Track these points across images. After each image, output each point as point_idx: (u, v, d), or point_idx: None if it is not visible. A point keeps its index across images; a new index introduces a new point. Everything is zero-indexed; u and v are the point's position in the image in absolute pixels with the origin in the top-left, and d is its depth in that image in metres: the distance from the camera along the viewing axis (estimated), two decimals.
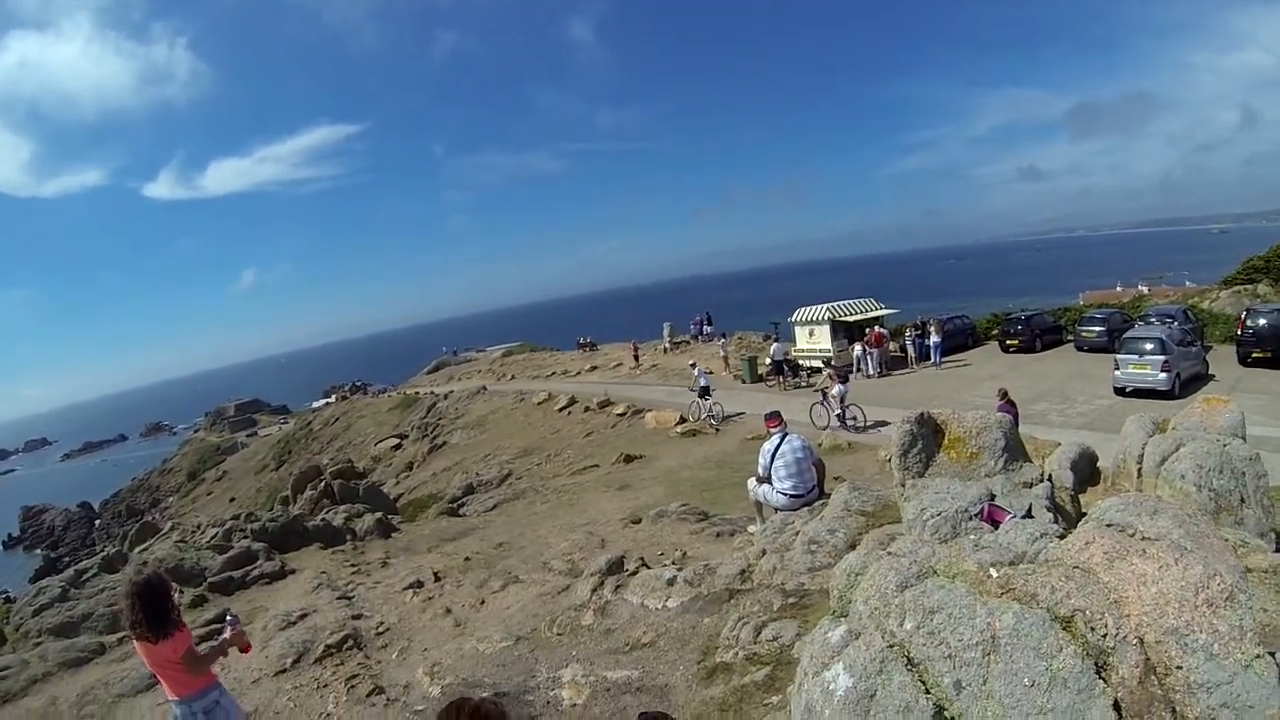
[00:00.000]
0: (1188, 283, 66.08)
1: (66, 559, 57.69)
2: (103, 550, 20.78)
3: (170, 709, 5.15)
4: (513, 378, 55.09)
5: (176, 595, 5.11)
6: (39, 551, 70.15)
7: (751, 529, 10.53)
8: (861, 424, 22.23)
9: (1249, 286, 37.68)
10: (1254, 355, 25.45)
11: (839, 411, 22.69)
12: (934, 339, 32.01)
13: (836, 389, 22.86)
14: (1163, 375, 22.03)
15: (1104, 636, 2.90)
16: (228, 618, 5.48)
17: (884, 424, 21.51)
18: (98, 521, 76.99)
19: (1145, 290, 61.47)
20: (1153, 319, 29.48)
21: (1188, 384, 22.87)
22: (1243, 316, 27.06)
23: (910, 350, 33.35)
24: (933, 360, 32.00)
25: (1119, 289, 72.22)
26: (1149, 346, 22.73)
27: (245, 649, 5.51)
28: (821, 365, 27.07)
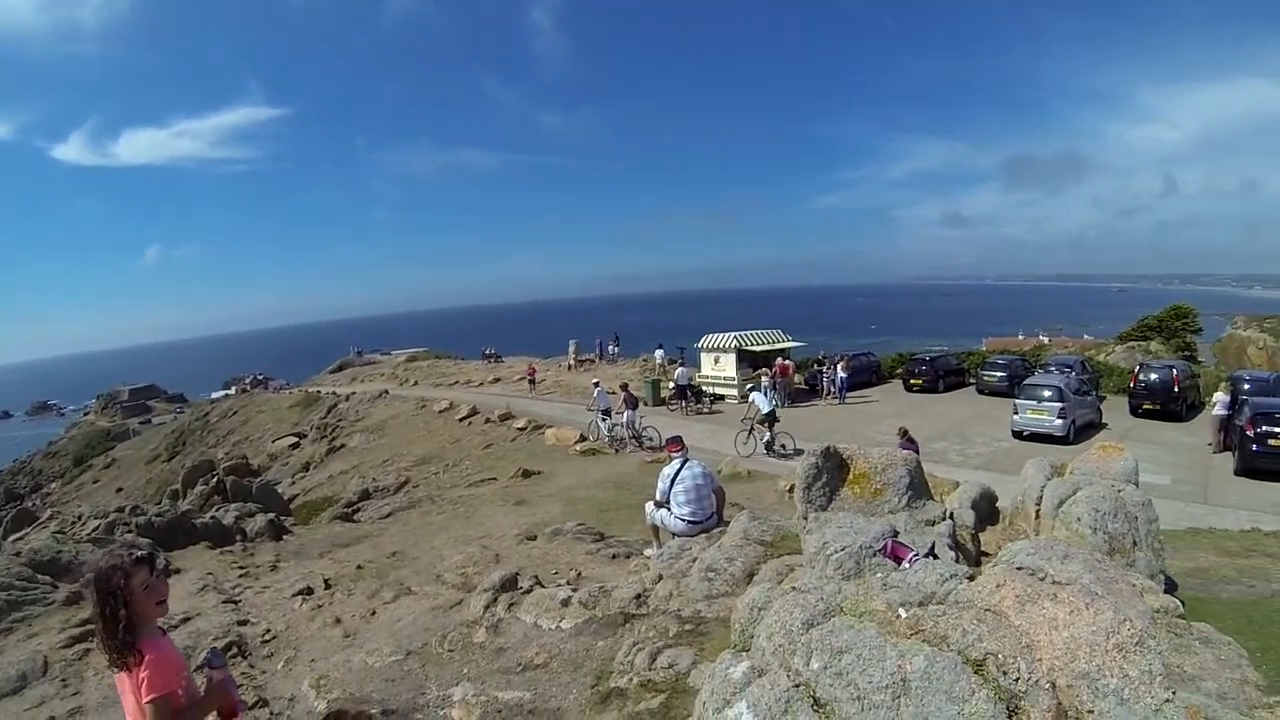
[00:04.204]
0: (1086, 335, 68.93)
1: None
2: None
3: None
4: (415, 383, 54.23)
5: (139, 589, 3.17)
6: None
7: (648, 553, 10.34)
8: (656, 442, 23.86)
9: (1142, 343, 39.63)
10: (1145, 407, 26.82)
11: (634, 434, 25.65)
12: (840, 374, 32.42)
13: (626, 414, 25.80)
14: (1059, 421, 22.87)
15: (1016, 680, 2.83)
16: (209, 658, 3.56)
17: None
18: None
19: (1045, 340, 63.96)
20: (1052, 368, 30.63)
21: (1082, 431, 23.78)
22: (1136, 370, 28.43)
23: (827, 384, 33.55)
24: (837, 395, 32.43)
25: (1021, 337, 74.98)
26: (1047, 393, 23.57)
27: (229, 714, 3.48)
28: (618, 390, 28.14)
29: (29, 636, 9.29)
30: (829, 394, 33.05)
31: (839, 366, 32.91)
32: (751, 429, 24.07)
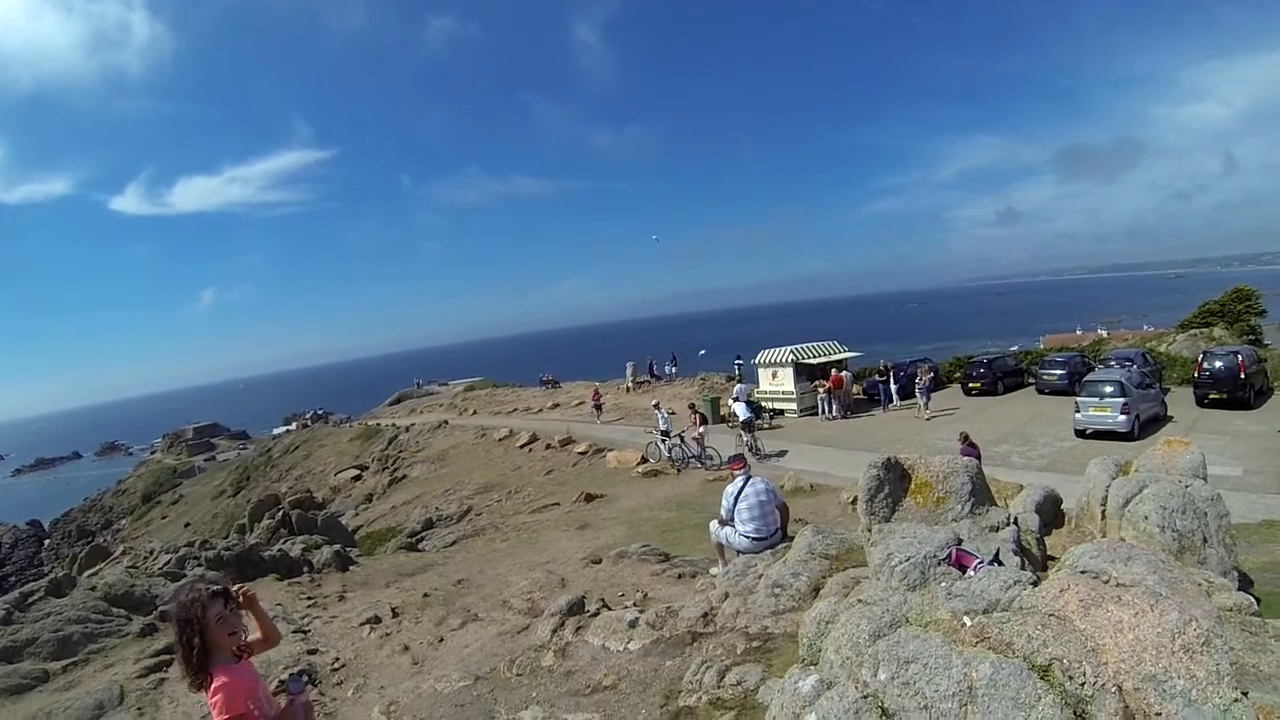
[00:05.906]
0: (1146, 326, 67.40)
1: (13, 579, 55.90)
2: (51, 572, 20.21)
3: None
4: (474, 413, 54.68)
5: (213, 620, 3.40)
6: None
7: (713, 571, 10.35)
8: (718, 462, 23.82)
9: (1204, 330, 38.63)
10: (1210, 396, 26.11)
11: (696, 452, 25.62)
12: (926, 382, 31.33)
13: (697, 431, 25.89)
14: (1122, 417, 22.35)
15: (1082, 685, 2.84)
16: (289, 682, 3.85)
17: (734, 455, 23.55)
18: (47, 541, 74.19)
19: (1104, 334, 62.64)
20: (1112, 362, 29.98)
21: (1147, 425, 23.25)
22: (1199, 359, 27.72)
23: (897, 391, 32.75)
24: (906, 400, 31.76)
25: (1079, 332, 73.49)
26: (1109, 389, 23.05)
27: None
28: (689, 408, 28.76)
29: (105, 667, 9.61)
30: (884, 403, 32.41)
31: (923, 374, 31.83)
32: (739, 434, 25.70)
